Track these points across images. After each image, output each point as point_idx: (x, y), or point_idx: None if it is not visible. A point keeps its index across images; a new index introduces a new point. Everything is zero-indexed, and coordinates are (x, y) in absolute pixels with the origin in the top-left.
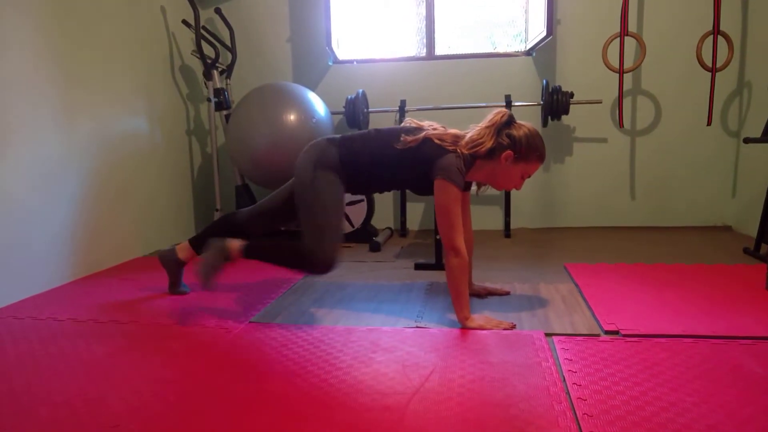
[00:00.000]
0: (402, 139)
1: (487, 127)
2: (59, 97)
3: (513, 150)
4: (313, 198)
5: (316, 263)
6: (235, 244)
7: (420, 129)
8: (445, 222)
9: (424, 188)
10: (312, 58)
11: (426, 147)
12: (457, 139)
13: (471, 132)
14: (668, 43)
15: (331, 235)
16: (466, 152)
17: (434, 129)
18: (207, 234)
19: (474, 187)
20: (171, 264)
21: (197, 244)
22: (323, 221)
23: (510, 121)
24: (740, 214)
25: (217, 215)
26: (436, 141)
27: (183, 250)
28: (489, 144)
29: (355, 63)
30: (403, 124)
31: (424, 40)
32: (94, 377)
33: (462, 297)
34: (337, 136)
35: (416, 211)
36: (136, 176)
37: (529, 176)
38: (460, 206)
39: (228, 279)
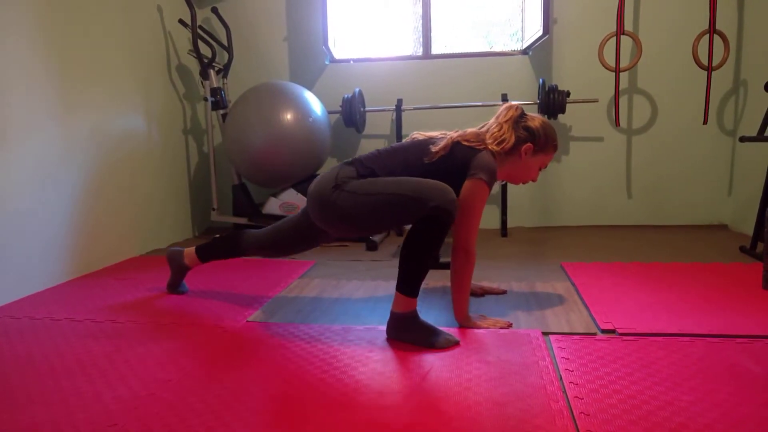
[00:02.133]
0: (432, 150)
1: (506, 122)
2: (55, 97)
3: (532, 142)
4: (365, 202)
5: (443, 212)
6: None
7: (435, 138)
8: (467, 223)
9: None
10: (309, 57)
11: (458, 151)
12: (480, 136)
13: (490, 129)
14: (664, 42)
15: (415, 189)
16: (497, 149)
17: (452, 133)
18: (214, 248)
19: None
20: (176, 265)
21: (202, 254)
22: (397, 196)
23: (523, 114)
24: (736, 212)
25: (214, 214)
26: (464, 143)
27: (189, 256)
28: (512, 140)
29: (351, 62)
30: (411, 138)
31: (421, 39)
32: (91, 376)
33: (464, 296)
34: (347, 160)
35: None
36: (133, 175)
37: (546, 167)
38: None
39: (225, 279)
